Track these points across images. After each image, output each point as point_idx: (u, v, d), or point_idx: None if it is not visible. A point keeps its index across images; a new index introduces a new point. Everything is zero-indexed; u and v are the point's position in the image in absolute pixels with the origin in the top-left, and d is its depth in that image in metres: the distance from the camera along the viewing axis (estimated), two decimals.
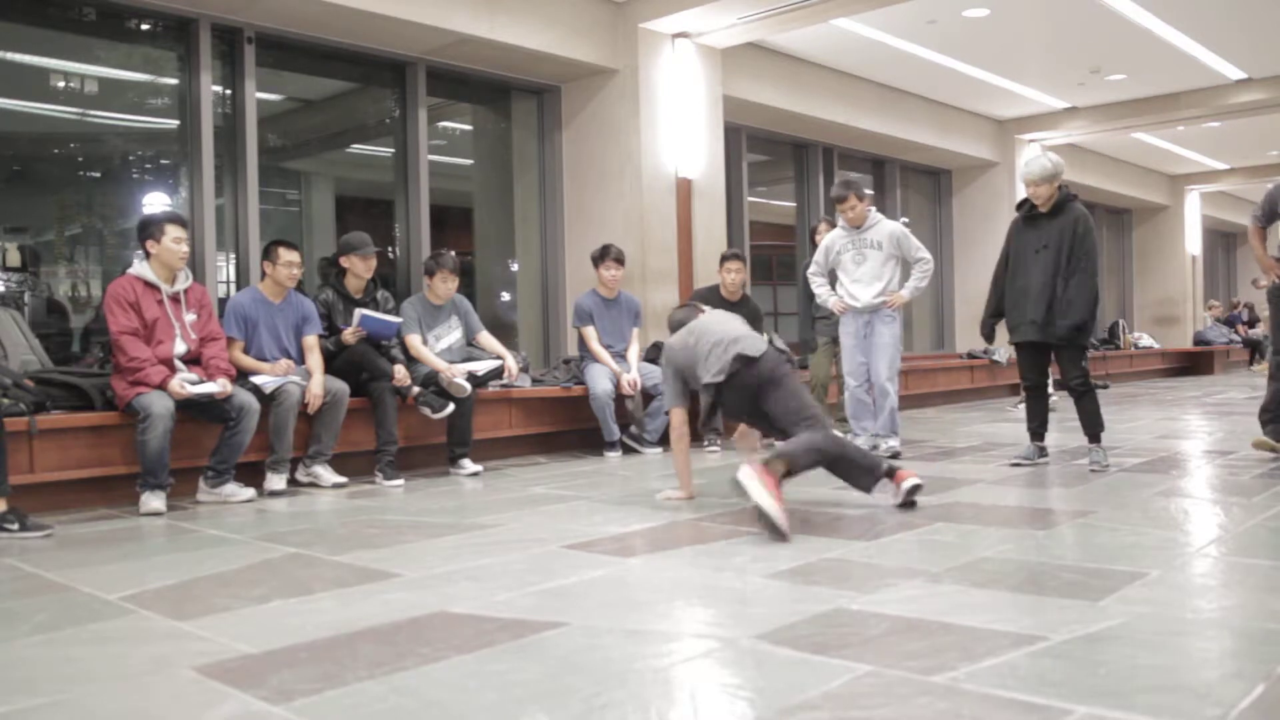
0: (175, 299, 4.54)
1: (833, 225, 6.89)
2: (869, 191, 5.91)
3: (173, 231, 4.49)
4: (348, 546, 3.46)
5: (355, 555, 3.31)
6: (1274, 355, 5.44)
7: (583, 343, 6.40)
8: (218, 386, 4.42)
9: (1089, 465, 4.99)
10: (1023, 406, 8.28)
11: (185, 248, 4.54)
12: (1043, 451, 5.29)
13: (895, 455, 5.59)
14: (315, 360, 5.02)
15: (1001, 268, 5.32)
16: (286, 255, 5.03)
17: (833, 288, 5.97)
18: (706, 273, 7.35)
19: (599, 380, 6.13)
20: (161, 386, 4.31)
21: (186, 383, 4.36)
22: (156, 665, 2.19)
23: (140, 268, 4.50)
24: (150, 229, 4.50)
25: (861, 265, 5.78)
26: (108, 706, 1.96)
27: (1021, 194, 5.18)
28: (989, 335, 5.47)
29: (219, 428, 4.53)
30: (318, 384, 4.89)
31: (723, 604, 2.67)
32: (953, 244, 12.24)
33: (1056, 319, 4.99)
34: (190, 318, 4.57)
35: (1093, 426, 5.08)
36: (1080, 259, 4.93)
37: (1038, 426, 5.31)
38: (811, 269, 6.10)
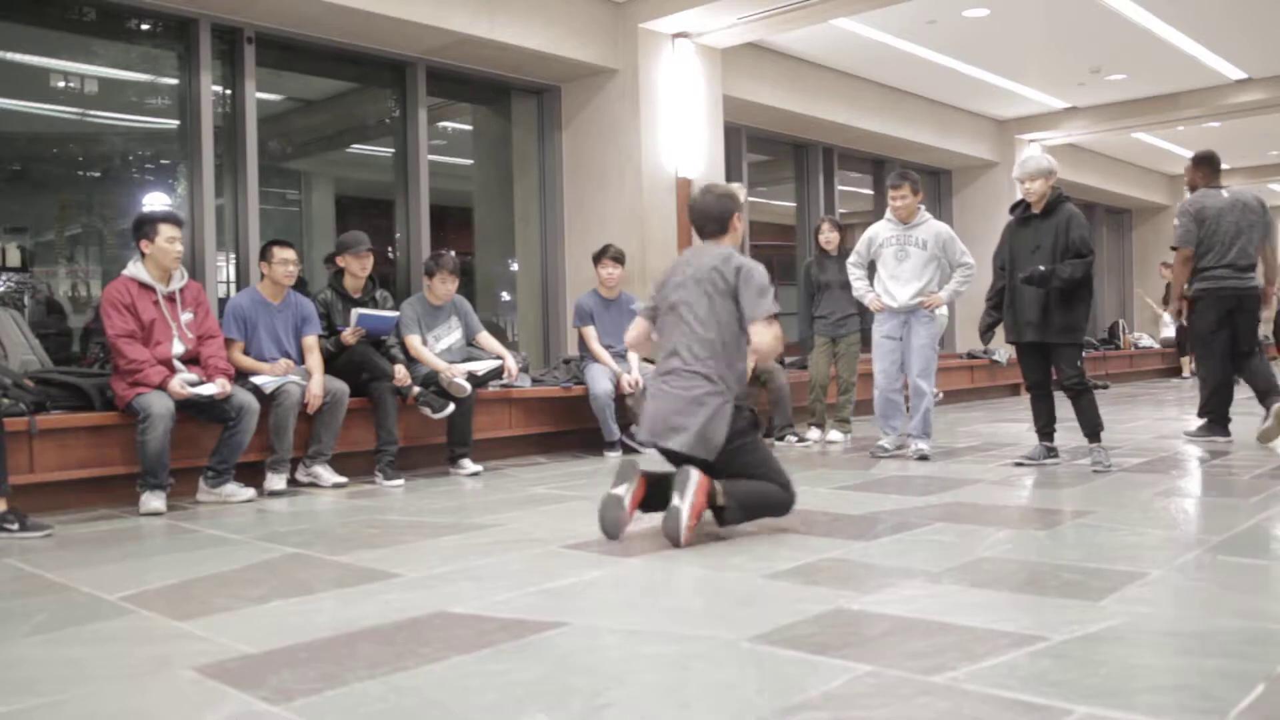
0: (171, 298, 4.52)
1: (835, 225, 6.88)
2: (905, 190, 5.70)
3: (167, 231, 4.44)
4: (348, 546, 3.46)
5: (355, 555, 3.31)
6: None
7: (583, 343, 6.39)
8: (217, 388, 4.41)
9: (1091, 466, 4.98)
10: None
11: (180, 247, 4.49)
12: (1052, 451, 5.23)
13: (924, 458, 5.48)
14: (315, 360, 5.01)
15: (998, 270, 5.34)
16: (281, 254, 5.02)
17: (870, 281, 5.82)
18: None
19: (599, 380, 6.13)
20: (161, 386, 4.30)
21: (186, 383, 4.36)
22: (156, 665, 2.19)
23: (135, 269, 4.46)
24: (144, 229, 4.45)
25: (903, 262, 5.61)
26: (108, 706, 1.96)
27: (1019, 195, 5.19)
28: (985, 336, 5.50)
29: (219, 428, 4.52)
30: (317, 384, 4.88)
31: (723, 604, 2.67)
32: None
33: (1052, 318, 4.99)
34: (187, 317, 4.55)
35: (1091, 426, 5.06)
36: (1071, 252, 4.94)
37: (1044, 425, 5.26)
38: (852, 259, 5.91)
